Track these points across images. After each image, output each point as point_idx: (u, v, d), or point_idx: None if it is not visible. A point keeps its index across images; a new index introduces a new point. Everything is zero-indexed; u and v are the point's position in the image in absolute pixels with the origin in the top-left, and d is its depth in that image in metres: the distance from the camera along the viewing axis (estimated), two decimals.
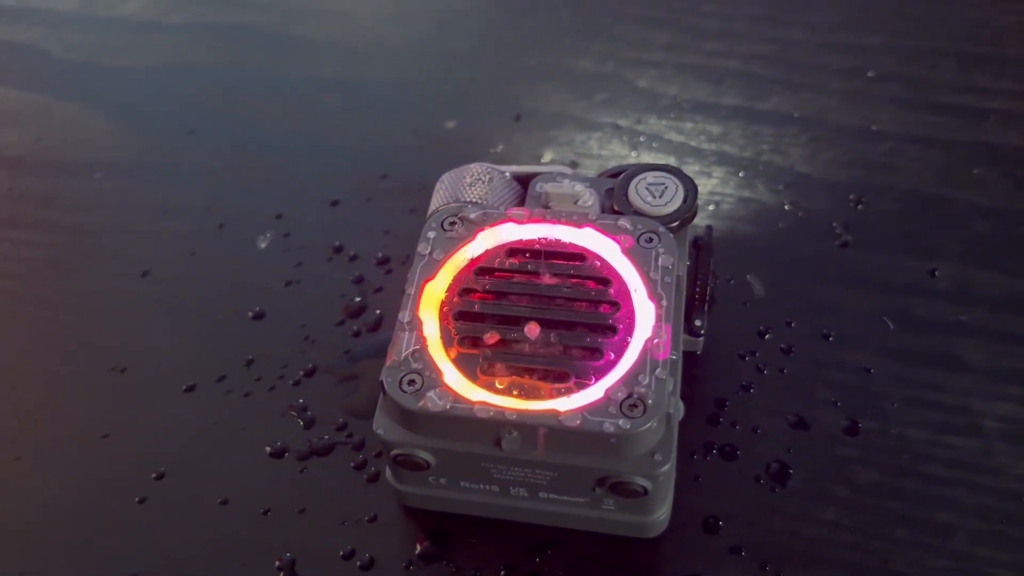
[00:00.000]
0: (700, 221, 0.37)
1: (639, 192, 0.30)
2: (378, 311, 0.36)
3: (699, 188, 0.30)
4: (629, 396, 0.25)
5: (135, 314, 0.37)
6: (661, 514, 0.28)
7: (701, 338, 0.30)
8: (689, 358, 0.32)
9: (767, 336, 0.34)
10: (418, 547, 0.30)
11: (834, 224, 0.37)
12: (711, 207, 0.38)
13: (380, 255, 0.38)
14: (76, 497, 0.32)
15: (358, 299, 0.36)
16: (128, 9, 0.50)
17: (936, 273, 0.35)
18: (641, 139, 0.41)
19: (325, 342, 0.35)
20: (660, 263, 0.28)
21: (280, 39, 0.48)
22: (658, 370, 0.26)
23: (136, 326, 0.36)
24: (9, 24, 0.50)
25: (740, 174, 0.39)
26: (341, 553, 0.30)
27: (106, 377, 0.35)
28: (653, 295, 0.27)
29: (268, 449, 0.32)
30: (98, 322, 0.37)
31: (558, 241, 0.29)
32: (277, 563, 0.30)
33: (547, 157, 0.41)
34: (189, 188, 0.41)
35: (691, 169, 0.40)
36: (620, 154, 0.41)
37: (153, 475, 0.32)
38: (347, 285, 0.37)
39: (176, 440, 0.33)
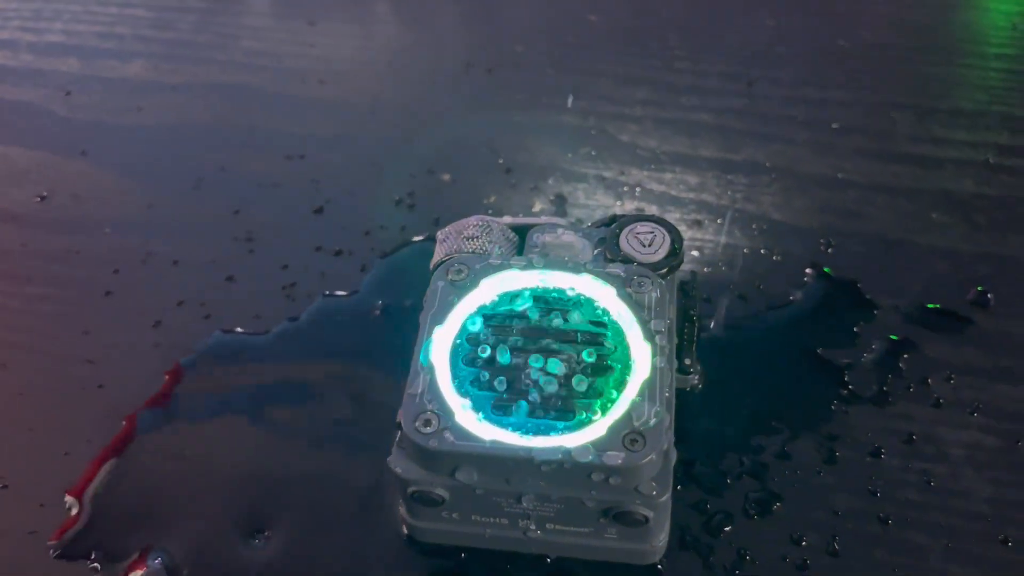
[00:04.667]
0: (683, 266, 0.39)
1: (630, 241, 0.33)
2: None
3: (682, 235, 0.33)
4: (631, 431, 0.27)
5: (149, 367, 0.38)
6: (659, 541, 0.30)
7: (691, 375, 0.33)
8: (678, 395, 0.34)
9: (749, 370, 0.36)
10: None
11: (807, 268, 0.40)
12: (694, 252, 0.41)
13: (380, 303, 0.40)
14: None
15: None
16: (130, 71, 0.52)
17: (902, 311, 0.38)
18: (624, 189, 0.44)
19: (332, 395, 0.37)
20: (653, 306, 0.30)
21: (277, 98, 0.50)
22: (655, 407, 0.28)
23: (150, 379, 0.38)
24: (15, 85, 0.52)
25: (718, 221, 0.42)
26: None
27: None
28: (648, 336, 0.30)
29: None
30: (113, 375, 0.38)
31: (557, 287, 0.31)
32: None
33: (537, 207, 0.43)
34: (197, 242, 0.43)
35: (672, 217, 0.42)
36: (606, 204, 0.43)
37: None
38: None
39: None
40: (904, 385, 0.36)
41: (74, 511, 0.34)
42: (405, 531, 0.32)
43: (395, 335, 0.38)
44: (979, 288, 0.39)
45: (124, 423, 0.36)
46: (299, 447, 0.35)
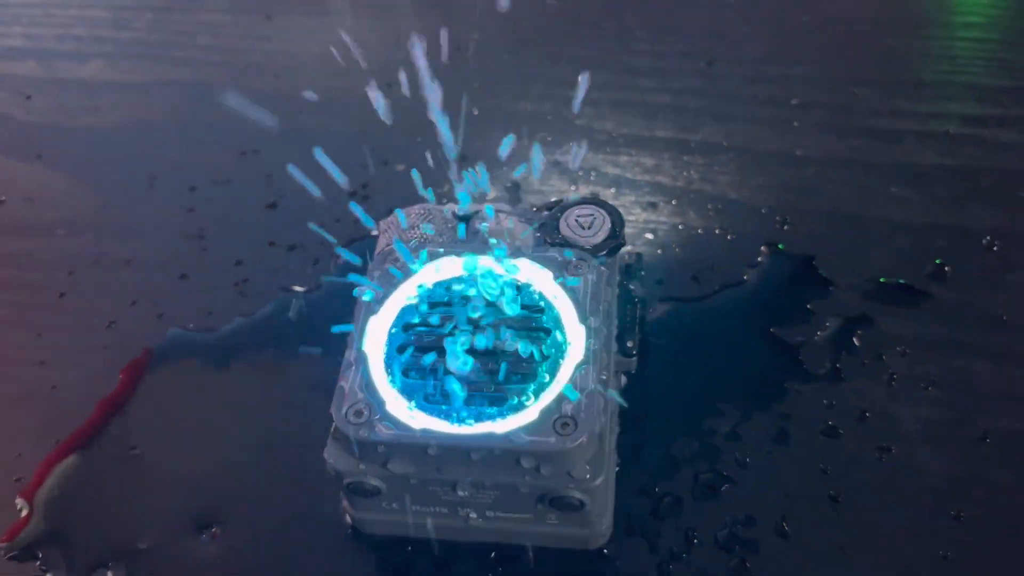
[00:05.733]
0: (636, 249, 0.39)
1: (569, 225, 0.32)
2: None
3: (635, 217, 0.33)
4: (561, 415, 0.27)
5: (102, 368, 0.38)
6: (603, 525, 0.30)
7: (634, 358, 0.32)
8: (627, 377, 0.34)
9: (701, 351, 0.36)
10: None
11: (762, 247, 0.40)
12: (648, 235, 0.40)
13: (333, 297, 0.39)
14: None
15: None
16: (87, 71, 0.52)
17: (857, 287, 0.38)
18: (579, 173, 0.44)
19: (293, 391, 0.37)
20: (590, 289, 0.30)
21: (232, 93, 0.50)
22: (588, 390, 0.27)
23: (103, 379, 0.38)
24: None
25: (673, 202, 0.42)
26: None
27: None
28: (582, 319, 0.29)
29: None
30: (66, 376, 0.38)
31: (495, 272, 0.31)
32: None
33: (492, 194, 0.43)
34: (150, 241, 0.43)
35: (627, 199, 0.42)
36: (560, 189, 0.43)
37: None
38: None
39: None
40: (858, 362, 0.35)
41: (24, 512, 0.33)
42: (349, 522, 0.31)
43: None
44: (937, 261, 0.38)
45: (78, 424, 0.36)
46: (248, 443, 0.35)
